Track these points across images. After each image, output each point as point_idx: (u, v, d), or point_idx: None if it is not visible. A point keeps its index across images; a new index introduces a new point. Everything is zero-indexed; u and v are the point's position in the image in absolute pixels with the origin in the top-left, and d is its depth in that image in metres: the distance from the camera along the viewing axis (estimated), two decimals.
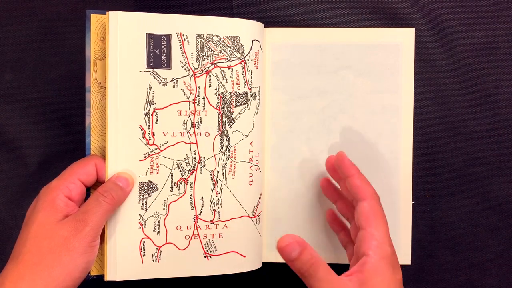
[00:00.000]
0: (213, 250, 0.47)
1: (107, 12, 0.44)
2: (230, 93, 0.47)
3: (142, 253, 0.46)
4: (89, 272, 0.44)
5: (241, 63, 0.47)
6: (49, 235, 0.40)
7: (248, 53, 0.47)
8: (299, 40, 0.51)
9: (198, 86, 0.46)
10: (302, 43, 0.51)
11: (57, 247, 0.39)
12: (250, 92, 0.47)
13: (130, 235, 0.45)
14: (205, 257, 0.47)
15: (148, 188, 0.46)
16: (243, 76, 0.47)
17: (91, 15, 0.45)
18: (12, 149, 0.53)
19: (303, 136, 0.51)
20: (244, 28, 0.47)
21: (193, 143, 0.46)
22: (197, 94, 0.46)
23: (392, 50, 0.51)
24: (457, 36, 0.54)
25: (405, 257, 0.50)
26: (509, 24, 0.53)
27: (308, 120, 0.51)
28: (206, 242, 0.47)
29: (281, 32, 0.50)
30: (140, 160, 0.45)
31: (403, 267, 0.54)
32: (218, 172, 0.47)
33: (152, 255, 0.46)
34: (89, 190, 0.45)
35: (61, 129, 0.53)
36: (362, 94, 0.51)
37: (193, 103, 0.46)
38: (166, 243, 0.46)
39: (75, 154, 0.53)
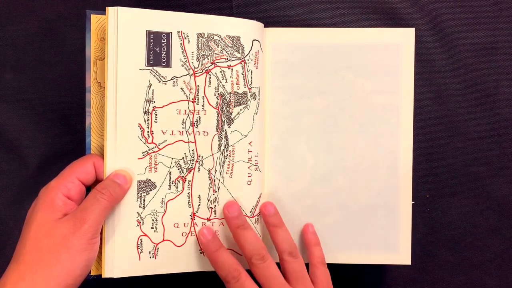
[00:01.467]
0: None
1: (106, 8, 0.44)
2: (230, 93, 0.47)
3: (139, 250, 0.46)
4: (89, 272, 0.44)
5: (241, 63, 0.47)
6: (48, 234, 0.40)
7: (248, 53, 0.47)
8: (299, 40, 0.51)
9: (198, 86, 0.46)
10: (302, 43, 0.51)
11: (56, 246, 0.40)
12: (249, 92, 0.47)
13: (128, 233, 0.45)
14: (201, 253, 0.47)
15: (146, 186, 0.46)
16: (243, 76, 0.47)
17: (91, 15, 0.45)
18: (12, 149, 0.53)
19: (303, 136, 0.51)
20: (245, 28, 0.47)
21: (192, 142, 0.46)
22: (196, 94, 0.46)
23: (392, 50, 0.50)
24: (457, 36, 0.54)
25: (405, 257, 0.50)
26: (509, 24, 0.53)
27: (308, 120, 0.51)
28: None
29: (281, 32, 0.50)
30: (138, 159, 0.45)
31: (403, 267, 0.54)
32: (216, 171, 0.47)
33: (149, 252, 0.46)
34: (89, 189, 0.45)
35: (61, 129, 0.53)
36: (362, 94, 0.51)
37: (192, 102, 0.46)
38: (163, 240, 0.46)
39: (75, 154, 0.52)
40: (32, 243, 0.40)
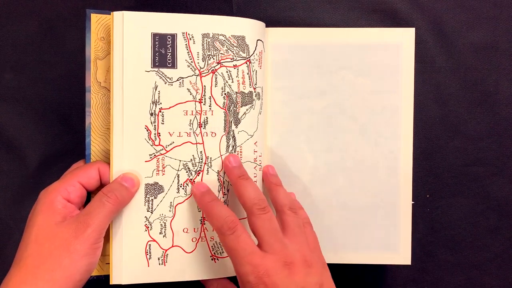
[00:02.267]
0: (220, 252, 0.47)
1: (111, 13, 0.44)
2: (236, 92, 0.46)
3: (148, 256, 0.45)
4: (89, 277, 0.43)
5: (246, 63, 0.46)
6: (49, 237, 0.40)
7: (253, 52, 0.47)
8: (299, 40, 0.51)
9: (204, 86, 0.45)
10: (302, 43, 0.51)
11: (57, 250, 0.39)
12: (255, 92, 0.47)
13: (136, 238, 0.45)
14: (212, 259, 0.46)
15: (154, 189, 0.45)
16: (249, 76, 0.47)
17: (91, 14, 0.45)
18: (12, 149, 0.53)
19: (303, 136, 0.51)
20: (249, 28, 0.47)
21: (200, 144, 0.46)
22: (203, 94, 0.45)
23: (392, 50, 0.51)
24: (457, 36, 0.54)
25: (405, 257, 0.50)
26: (509, 24, 0.54)
27: (308, 120, 0.51)
28: (213, 244, 0.47)
29: (281, 32, 0.50)
30: (145, 161, 0.45)
31: (403, 267, 0.54)
32: (225, 172, 0.47)
33: (159, 259, 0.45)
34: (89, 195, 0.45)
35: (61, 129, 0.53)
36: (362, 94, 0.51)
37: (199, 102, 0.45)
38: (172, 246, 0.46)
39: (75, 154, 0.52)
40: (33, 247, 0.39)
